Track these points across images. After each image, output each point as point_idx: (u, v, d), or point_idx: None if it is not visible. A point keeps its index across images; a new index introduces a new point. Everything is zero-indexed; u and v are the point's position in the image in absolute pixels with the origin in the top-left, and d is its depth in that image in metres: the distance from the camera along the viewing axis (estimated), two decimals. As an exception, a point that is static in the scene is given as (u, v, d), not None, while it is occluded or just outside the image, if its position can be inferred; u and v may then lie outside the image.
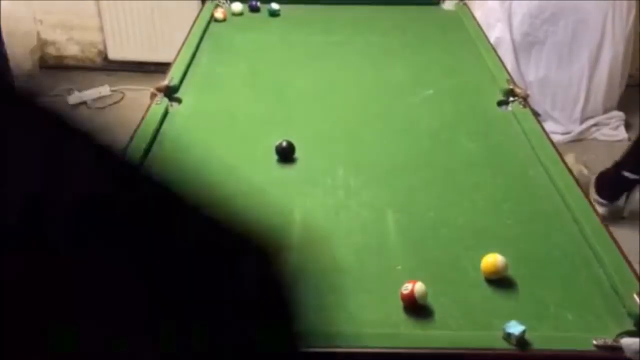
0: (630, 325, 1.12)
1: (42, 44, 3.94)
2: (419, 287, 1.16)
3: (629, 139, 3.36)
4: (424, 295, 1.16)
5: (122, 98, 3.66)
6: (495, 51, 2.28)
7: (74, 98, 3.59)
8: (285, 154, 1.63)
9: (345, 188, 1.53)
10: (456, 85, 2.06)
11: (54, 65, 3.95)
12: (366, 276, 1.25)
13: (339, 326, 1.13)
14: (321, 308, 1.17)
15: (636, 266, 1.27)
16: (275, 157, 1.63)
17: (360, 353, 1.08)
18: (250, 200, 1.47)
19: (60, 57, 3.97)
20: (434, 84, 2.04)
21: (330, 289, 1.22)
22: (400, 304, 1.16)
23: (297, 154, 1.63)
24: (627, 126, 3.43)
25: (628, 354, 1.05)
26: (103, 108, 3.59)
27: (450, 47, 2.33)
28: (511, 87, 1.95)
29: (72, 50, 3.94)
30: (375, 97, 1.99)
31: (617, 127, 3.41)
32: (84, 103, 3.60)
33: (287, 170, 1.60)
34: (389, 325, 1.14)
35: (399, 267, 1.27)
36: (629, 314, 1.14)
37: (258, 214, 1.47)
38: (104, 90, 3.67)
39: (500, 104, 1.91)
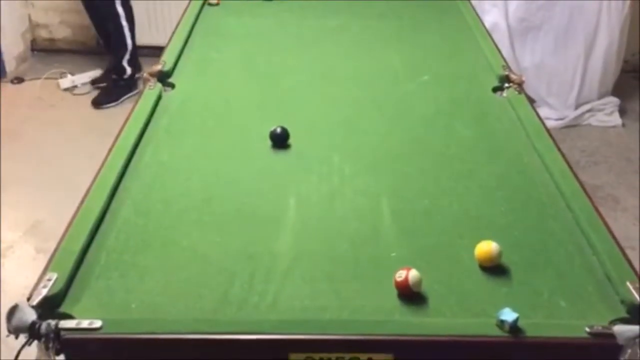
0: (623, 313, 1.13)
1: (34, 26, 3.89)
2: (413, 274, 1.16)
3: (623, 125, 3.37)
4: (418, 283, 1.16)
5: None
6: (491, 37, 2.26)
7: (66, 82, 3.58)
8: (280, 140, 1.62)
9: (340, 175, 1.52)
10: (452, 71, 2.05)
11: (46, 49, 3.91)
12: (360, 263, 1.25)
13: (333, 313, 1.13)
14: (315, 295, 1.17)
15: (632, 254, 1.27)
16: (269, 143, 1.62)
17: (354, 340, 1.08)
18: (245, 187, 1.47)
19: (52, 40, 3.93)
20: (429, 70, 2.03)
21: (325, 276, 1.22)
22: (394, 291, 1.17)
23: (292, 140, 1.62)
24: (622, 112, 3.44)
25: (621, 341, 1.05)
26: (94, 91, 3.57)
27: (445, 33, 2.31)
28: (507, 73, 1.94)
29: (64, 33, 3.90)
30: (370, 83, 1.97)
31: (611, 113, 3.41)
32: (76, 87, 3.59)
33: (282, 157, 1.59)
34: (383, 312, 1.14)
35: (394, 254, 1.27)
36: (622, 301, 1.14)
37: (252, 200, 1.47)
38: (95, 74, 3.65)
39: (495, 90, 1.91)
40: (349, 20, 2.39)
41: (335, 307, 1.15)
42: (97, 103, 3.45)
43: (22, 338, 1.06)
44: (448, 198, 1.44)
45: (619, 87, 3.50)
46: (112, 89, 3.49)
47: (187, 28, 2.24)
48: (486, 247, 1.24)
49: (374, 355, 1.07)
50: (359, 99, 1.87)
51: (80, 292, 1.16)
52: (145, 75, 1.90)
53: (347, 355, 1.07)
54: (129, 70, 3.48)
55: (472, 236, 1.29)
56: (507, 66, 2.00)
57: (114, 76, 3.50)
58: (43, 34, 3.90)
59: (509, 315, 1.08)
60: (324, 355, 1.07)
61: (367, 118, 1.78)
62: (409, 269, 1.17)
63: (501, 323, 1.08)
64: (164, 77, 1.91)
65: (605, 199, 2.77)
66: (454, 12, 2.45)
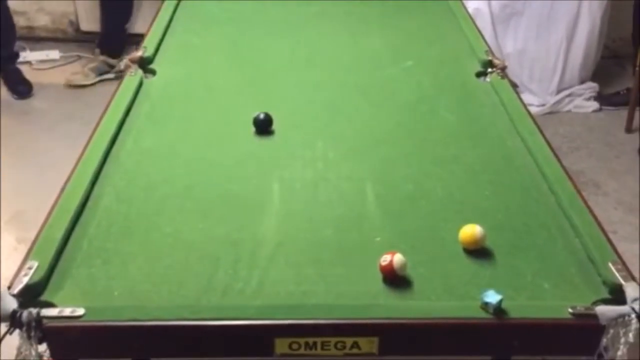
0: (605, 294, 1.14)
1: (12, 14, 3.82)
2: (397, 258, 1.16)
3: (601, 110, 3.40)
4: (403, 266, 1.16)
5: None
6: (474, 22, 2.26)
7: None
8: (263, 126, 1.61)
9: (324, 160, 1.51)
10: (435, 57, 2.04)
11: (25, 37, 3.84)
12: (345, 248, 1.25)
13: (318, 298, 1.13)
14: (300, 280, 1.17)
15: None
16: (252, 129, 1.61)
17: (339, 324, 1.08)
18: (228, 173, 1.46)
19: (31, 28, 3.86)
20: (412, 55, 2.03)
21: (310, 261, 1.21)
22: (379, 275, 1.17)
23: (275, 126, 1.61)
24: (602, 97, 3.46)
25: (603, 322, 1.06)
26: (45, 69, 3.58)
27: (429, 19, 2.31)
28: (490, 58, 1.94)
29: (42, 20, 3.84)
30: (353, 69, 1.96)
31: (589, 98, 3.44)
32: (29, 62, 3.61)
33: (265, 143, 1.58)
34: (368, 297, 1.14)
35: (378, 238, 1.27)
36: (604, 283, 1.16)
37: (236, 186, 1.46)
38: (53, 54, 3.66)
39: (478, 75, 1.91)
40: (331, 5, 2.37)
41: (321, 292, 1.15)
42: (22, 95, 3.36)
43: (4, 327, 1.05)
44: (432, 182, 1.44)
45: (599, 73, 3.52)
46: (20, 75, 3.40)
47: (169, 14, 2.21)
48: (470, 230, 1.24)
49: (359, 339, 1.07)
50: (342, 84, 1.87)
51: (62, 280, 1.15)
52: (126, 61, 1.88)
53: (333, 340, 1.07)
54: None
55: (456, 220, 1.30)
56: (490, 51, 2.00)
57: (17, 66, 3.41)
58: (21, 21, 3.83)
59: (492, 297, 1.08)
60: (310, 339, 1.07)
61: (351, 103, 1.77)
62: (393, 253, 1.17)
63: (485, 305, 1.09)
64: (145, 64, 1.89)
65: (586, 184, 2.79)
66: (437, -3, 2.45)
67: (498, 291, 1.10)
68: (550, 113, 3.36)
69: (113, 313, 1.08)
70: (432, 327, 1.09)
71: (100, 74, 3.44)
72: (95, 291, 1.14)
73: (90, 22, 3.75)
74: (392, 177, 1.46)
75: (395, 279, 1.16)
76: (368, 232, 1.29)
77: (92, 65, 3.46)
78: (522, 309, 1.10)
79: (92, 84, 3.41)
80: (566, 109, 3.41)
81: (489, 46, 2.06)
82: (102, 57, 3.47)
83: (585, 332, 1.09)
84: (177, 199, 1.37)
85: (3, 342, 1.04)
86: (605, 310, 1.07)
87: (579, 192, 1.39)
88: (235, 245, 1.24)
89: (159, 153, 1.53)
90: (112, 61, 3.47)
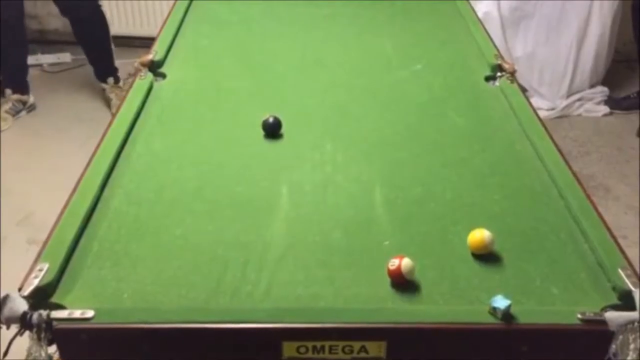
0: (614, 299, 1.13)
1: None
2: (405, 262, 1.16)
3: (611, 114, 3.39)
4: (411, 271, 1.16)
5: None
6: (484, 26, 2.26)
7: (31, 59, 3.59)
8: (273, 130, 1.61)
9: (333, 163, 1.52)
10: (444, 60, 2.04)
11: (37, 40, 3.88)
12: (354, 251, 1.25)
13: (326, 301, 1.13)
14: (309, 283, 1.17)
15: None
16: (262, 132, 1.61)
17: (347, 328, 1.08)
18: (237, 175, 1.47)
19: (43, 32, 3.90)
20: (422, 59, 2.03)
21: (318, 264, 1.21)
22: (388, 279, 1.17)
23: (284, 128, 1.62)
24: (611, 101, 3.44)
25: (612, 328, 1.06)
26: (57, 72, 3.64)
27: (438, 22, 2.31)
28: (499, 62, 1.94)
29: (54, 24, 3.87)
30: (363, 71, 1.97)
31: (600, 102, 3.42)
32: (40, 65, 3.66)
33: (275, 146, 1.59)
34: (376, 300, 1.14)
35: (387, 242, 1.27)
36: (614, 288, 1.15)
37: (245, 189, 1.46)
38: (64, 57, 3.70)
39: (488, 79, 1.91)
40: (341, 8, 2.38)
41: (329, 295, 1.15)
42: None
43: (14, 328, 1.05)
44: (441, 185, 1.44)
45: (610, 76, 3.50)
46: None
47: (179, 17, 2.22)
48: (479, 235, 1.24)
49: (367, 343, 1.07)
50: (351, 87, 1.87)
51: (72, 282, 1.16)
52: (136, 64, 1.89)
53: (341, 343, 1.07)
54: None
55: (465, 223, 1.30)
56: (499, 55, 2.00)
57: None
58: (33, 25, 3.86)
59: (501, 302, 1.08)
60: (318, 343, 1.07)
61: (360, 106, 1.77)
62: (401, 257, 1.16)
63: (494, 310, 1.09)
64: (155, 67, 1.90)
65: (596, 188, 2.78)
66: (446, 1, 2.45)
67: (507, 296, 1.09)
68: (560, 117, 3.35)
69: (122, 315, 1.09)
70: (440, 331, 1.09)
71: (17, 113, 3.31)
72: (104, 293, 1.14)
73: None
74: (400, 180, 1.46)
75: (403, 283, 1.16)
76: (376, 235, 1.29)
77: (6, 107, 3.30)
78: (530, 314, 1.10)
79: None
80: (576, 112, 3.40)
81: (498, 50, 2.05)
82: (14, 96, 3.33)
83: (594, 338, 1.08)
84: (187, 201, 1.38)
85: (13, 343, 1.05)
86: (614, 316, 1.07)
87: (588, 196, 1.38)
88: (244, 248, 1.24)
89: (168, 155, 1.54)
90: (24, 98, 3.35)
